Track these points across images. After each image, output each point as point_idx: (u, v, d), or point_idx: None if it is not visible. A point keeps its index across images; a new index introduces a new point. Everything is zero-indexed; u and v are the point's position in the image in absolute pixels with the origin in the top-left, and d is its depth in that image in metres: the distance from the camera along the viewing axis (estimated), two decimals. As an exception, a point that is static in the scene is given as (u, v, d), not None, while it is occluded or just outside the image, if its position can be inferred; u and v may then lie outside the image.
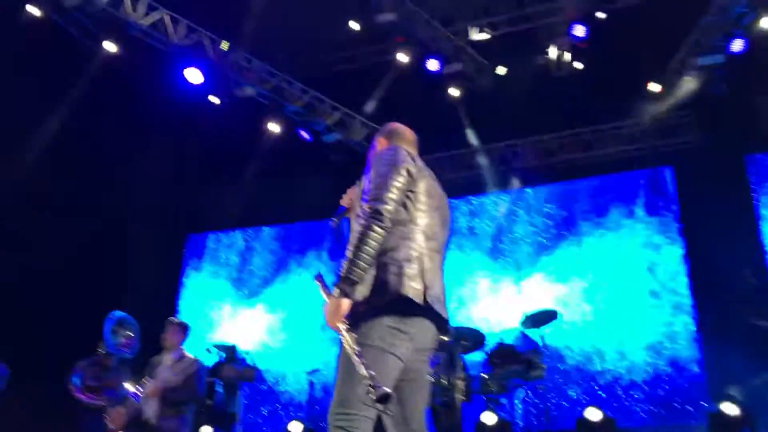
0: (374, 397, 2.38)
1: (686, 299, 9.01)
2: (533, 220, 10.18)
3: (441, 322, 2.86)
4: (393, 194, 2.75)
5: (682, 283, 9.11)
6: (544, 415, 6.72)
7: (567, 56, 9.51)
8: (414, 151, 3.16)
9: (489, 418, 6.69)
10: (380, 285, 2.70)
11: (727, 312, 8.22)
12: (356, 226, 2.74)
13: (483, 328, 8.37)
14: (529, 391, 7.01)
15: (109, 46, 8.82)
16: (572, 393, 9.09)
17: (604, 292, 9.38)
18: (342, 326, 2.60)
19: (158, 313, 11.07)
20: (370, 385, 2.40)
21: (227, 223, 12.01)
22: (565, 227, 9.96)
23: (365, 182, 2.88)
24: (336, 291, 2.63)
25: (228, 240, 12.14)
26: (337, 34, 11.04)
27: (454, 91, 10.13)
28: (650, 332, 9.00)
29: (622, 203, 9.81)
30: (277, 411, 10.51)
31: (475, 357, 7.96)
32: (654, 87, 9.57)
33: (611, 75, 9.29)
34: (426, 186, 2.94)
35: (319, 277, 2.94)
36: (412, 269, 2.73)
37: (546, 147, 10.52)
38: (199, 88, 9.40)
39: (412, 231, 2.82)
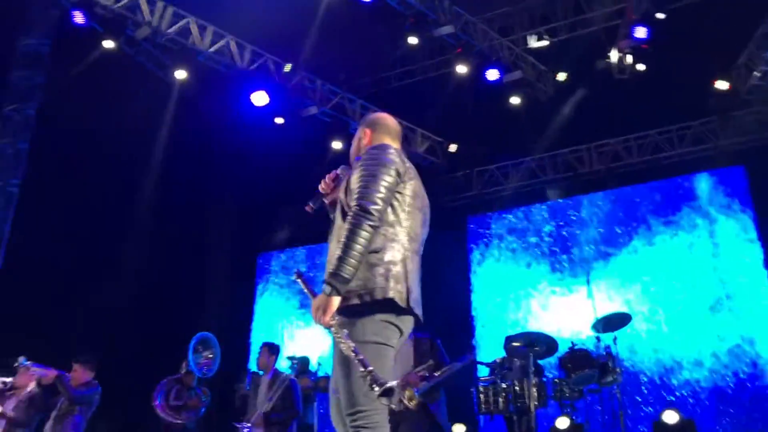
0: (378, 392, 2.38)
1: (765, 300, 8.73)
2: (603, 225, 10.03)
3: (417, 321, 2.94)
4: (382, 194, 2.79)
5: (760, 284, 8.83)
6: (620, 420, 6.60)
7: (629, 59, 9.37)
8: (398, 144, 3.21)
9: (562, 422, 6.63)
10: (368, 285, 2.74)
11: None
12: (345, 224, 2.75)
13: (555, 334, 8.30)
14: (604, 397, 6.90)
15: (180, 74, 9.17)
16: (649, 397, 8.90)
17: (678, 295, 9.17)
18: (334, 323, 2.64)
19: (235, 333, 11.44)
20: (371, 381, 2.40)
21: (294, 241, 12.28)
22: (635, 231, 9.80)
23: (353, 180, 2.89)
24: (326, 288, 2.66)
25: (295, 257, 12.38)
26: (395, 49, 11.21)
27: (514, 100, 10.11)
28: (729, 335, 8.76)
29: (694, 204, 9.59)
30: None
31: (549, 362, 7.91)
32: (721, 85, 9.36)
33: (676, 75, 9.13)
34: (413, 187, 2.97)
35: (300, 274, 2.97)
36: (397, 272, 2.79)
37: (612, 152, 10.39)
38: (264, 110, 9.66)
39: (398, 233, 2.86)
